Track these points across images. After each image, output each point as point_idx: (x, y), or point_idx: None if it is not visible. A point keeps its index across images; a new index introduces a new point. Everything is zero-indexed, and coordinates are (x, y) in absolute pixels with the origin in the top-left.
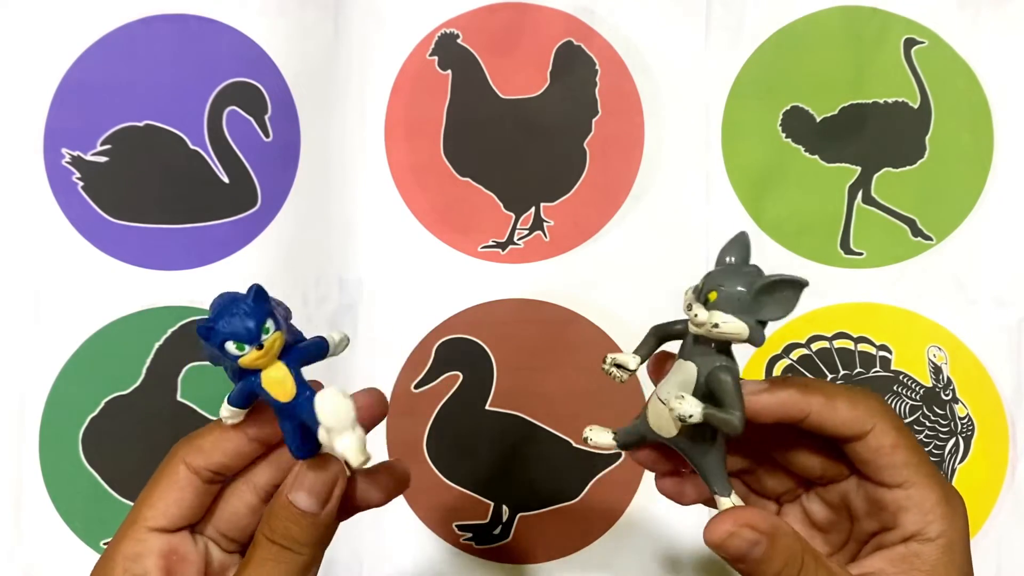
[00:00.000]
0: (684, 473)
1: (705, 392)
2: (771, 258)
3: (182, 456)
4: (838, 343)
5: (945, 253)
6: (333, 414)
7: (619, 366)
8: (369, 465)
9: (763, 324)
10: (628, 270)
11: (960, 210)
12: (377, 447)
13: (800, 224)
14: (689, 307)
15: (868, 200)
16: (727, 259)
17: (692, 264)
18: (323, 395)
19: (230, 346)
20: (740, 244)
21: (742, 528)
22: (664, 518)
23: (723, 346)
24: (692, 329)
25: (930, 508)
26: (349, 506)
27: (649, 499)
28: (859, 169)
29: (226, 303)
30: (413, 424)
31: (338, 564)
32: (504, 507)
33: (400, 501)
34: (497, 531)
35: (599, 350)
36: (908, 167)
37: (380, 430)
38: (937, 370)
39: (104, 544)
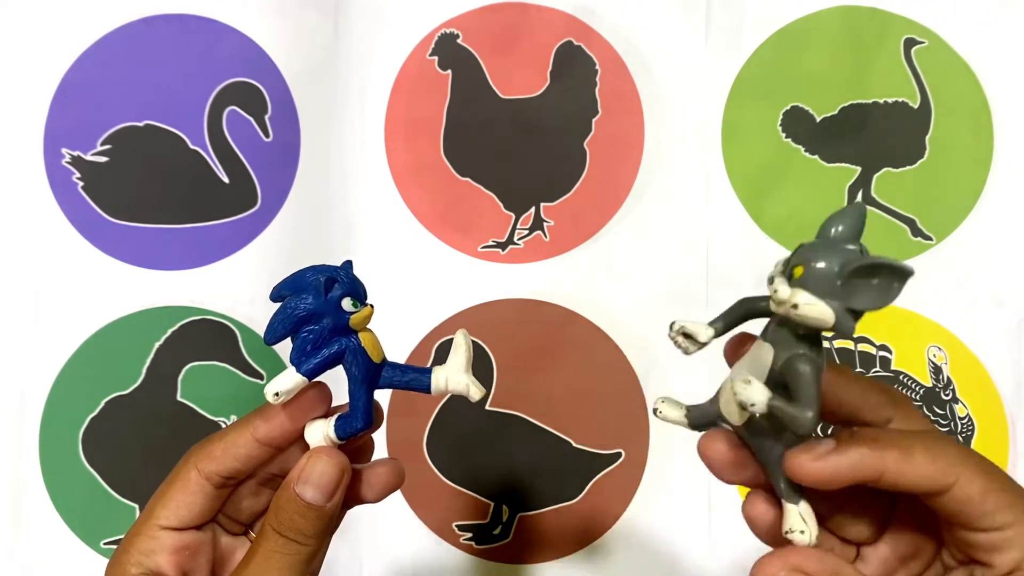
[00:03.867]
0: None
1: (779, 381)
2: (771, 258)
3: (194, 463)
4: (838, 343)
5: (945, 253)
6: (464, 354)
7: (687, 335)
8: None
9: (856, 314)
10: (628, 270)
11: (960, 210)
12: (377, 447)
13: (800, 224)
14: (771, 280)
15: (868, 200)
16: (832, 230)
17: (692, 264)
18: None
19: (347, 303)
20: (853, 215)
21: (792, 573)
22: (663, 518)
23: (809, 332)
24: (772, 307)
25: None
26: (347, 500)
27: (648, 499)
28: (859, 169)
29: (330, 268)
30: (413, 424)
31: (338, 564)
32: (504, 507)
33: (400, 501)
34: (497, 531)
35: (599, 350)
36: (908, 167)
37: (380, 430)
38: (937, 370)
39: (104, 544)
